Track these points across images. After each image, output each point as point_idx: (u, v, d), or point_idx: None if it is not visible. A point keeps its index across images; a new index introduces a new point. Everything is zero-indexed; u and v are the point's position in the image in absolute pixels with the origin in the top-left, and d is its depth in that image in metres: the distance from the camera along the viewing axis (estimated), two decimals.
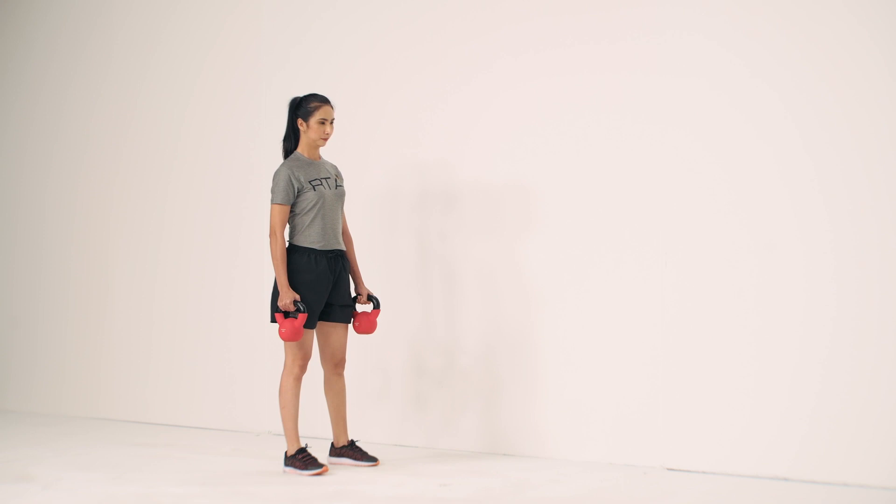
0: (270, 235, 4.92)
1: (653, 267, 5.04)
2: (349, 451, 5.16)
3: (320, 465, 4.92)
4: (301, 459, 4.94)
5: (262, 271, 6.32)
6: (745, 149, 4.84)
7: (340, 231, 5.07)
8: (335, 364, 5.13)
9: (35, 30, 7.43)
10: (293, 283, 4.92)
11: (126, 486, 4.73)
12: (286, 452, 5.02)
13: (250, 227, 6.38)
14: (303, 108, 4.99)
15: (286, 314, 4.88)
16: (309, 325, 4.95)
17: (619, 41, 5.15)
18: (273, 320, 4.96)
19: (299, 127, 5.01)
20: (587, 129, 5.25)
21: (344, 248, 5.10)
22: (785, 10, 4.76)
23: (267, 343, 6.29)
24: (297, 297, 4.88)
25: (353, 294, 5.19)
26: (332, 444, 5.22)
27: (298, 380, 5.01)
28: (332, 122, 5.01)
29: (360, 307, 5.24)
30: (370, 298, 5.17)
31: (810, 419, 4.63)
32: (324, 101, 4.99)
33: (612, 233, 5.16)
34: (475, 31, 5.62)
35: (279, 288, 4.89)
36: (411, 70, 5.85)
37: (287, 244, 5.01)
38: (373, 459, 5.16)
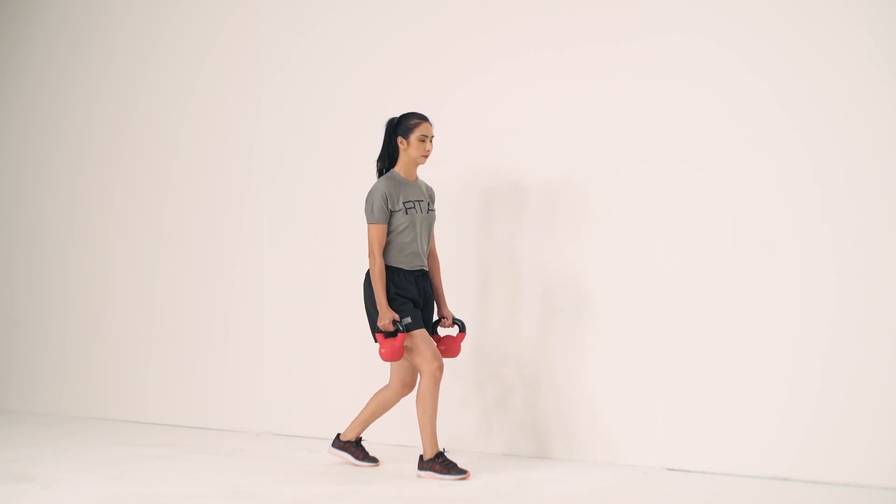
0: (369, 255, 4.88)
1: (653, 267, 5.04)
2: (352, 447, 5.15)
3: (462, 471, 4.82)
4: (441, 463, 4.85)
5: (261, 270, 6.33)
6: (745, 149, 4.83)
7: (426, 253, 5.03)
8: (403, 385, 5.06)
9: (35, 30, 7.43)
10: (388, 299, 4.88)
11: (126, 486, 4.73)
12: (421, 456, 4.91)
13: (250, 227, 6.38)
14: (403, 125, 4.95)
15: (387, 334, 4.82)
16: (420, 325, 4.86)
17: (621, 41, 5.15)
18: (375, 339, 4.93)
19: (399, 145, 4.95)
20: (587, 130, 5.25)
21: (427, 268, 5.05)
22: (785, 11, 4.76)
23: (267, 342, 6.30)
24: (397, 316, 4.83)
25: (436, 317, 5.09)
26: (338, 435, 5.20)
27: (438, 383, 4.85)
28: (431, 140, 4.95)
29: (443, 331, 5.14)
30: (455, 322, 5.09)
31: (810, 419, 4.64)
32: (423, 118, 4.95)
33: (612, 234, 5.16)
34: (476, 32, 5.62)
35: (378, 307, 4.84)
36: (412, 71, 5.84)
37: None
38: (373, 460, 5.16)
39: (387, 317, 4.81)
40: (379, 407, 5.11)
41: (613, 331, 5.15)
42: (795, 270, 4.70)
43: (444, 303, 5.10)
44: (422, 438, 4.88)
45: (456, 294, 5.43)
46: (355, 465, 5.17)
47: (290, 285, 6.23)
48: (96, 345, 7.06)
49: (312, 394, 6.12)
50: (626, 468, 5.01)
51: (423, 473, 4.88)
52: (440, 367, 4.84)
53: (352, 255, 5.93)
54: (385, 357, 4.81)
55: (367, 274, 5.00)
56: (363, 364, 5.72)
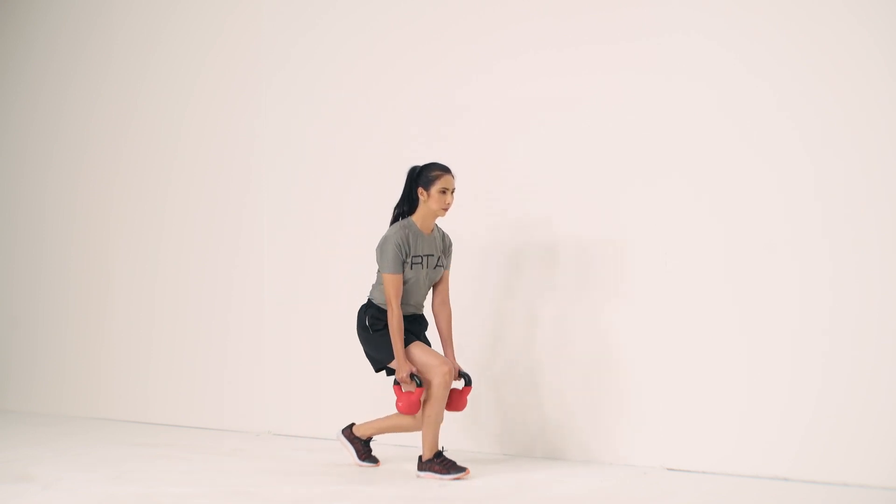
0: (387, 304, 4.84)
1: (653, 268, 5.04)
2: (360, 443, 5.15)
3: (462, 468, 4.82)
4: (440, 463, 4.85)
5: (261, 271, 6.32)
6: (745, 150, 4.83)
7: (423, 300, 5.01)
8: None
9: (35, 30, 7.44)
10: (377, 332, 4.90)
11: (126, 486, 4.73)
12: (420, 457, 4.92)
13: (250, 228, 6.38)
14: (423, 176, 4.87)
15: (403, 388, 4.81)
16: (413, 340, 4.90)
17: (621, 41, 5.15)
18: (378, 369, 4.96)
19: (419, 196, 4.88)
20: (587, 130, 5.25)
21: (420, 312, 5.03)
22: (784, 11, 4.76)
23: (267, 342, 6.30)
24: (414, 369, 4.82)
25: None
26: (353, 425, 5.20)
27: (448, 387, 4.84)
28: (452, 192, 4.89)
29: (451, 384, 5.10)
30: (461, 375, 5.01)
31: (810, 419, 4.63)
32: (445, 170, 4.88)
33: (612, 234, 5.16)
34: (476, 32, 5.62)
35: (396, 359, 4.83)
36: (412, 71, 5.84)
37: (370, 301, 4.97)
38: (374, 460, 5.17)
39: (404, 370, 4.79)
40: (398, 425, 5.06)
41: (613, 331, 5.15)
42: (795, 271, 4.70)
43: (453, 355, 5.04)
44: (423, 439, 4.88)
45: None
46: (356, 463, 5.17)
47: (290, 285, 6.23)
48: (96, 345, 7.06)
49: (312, 394, 6.12)
50: (626, 468, 5.01)
51: (422, 474, 4.88)
52: (449, 371, 4.83)
53: (351, 255, 5.94)
54: (402, 410, 4.81)
55: (362, 309, 5.01)
56: (363, 364, 5.71)
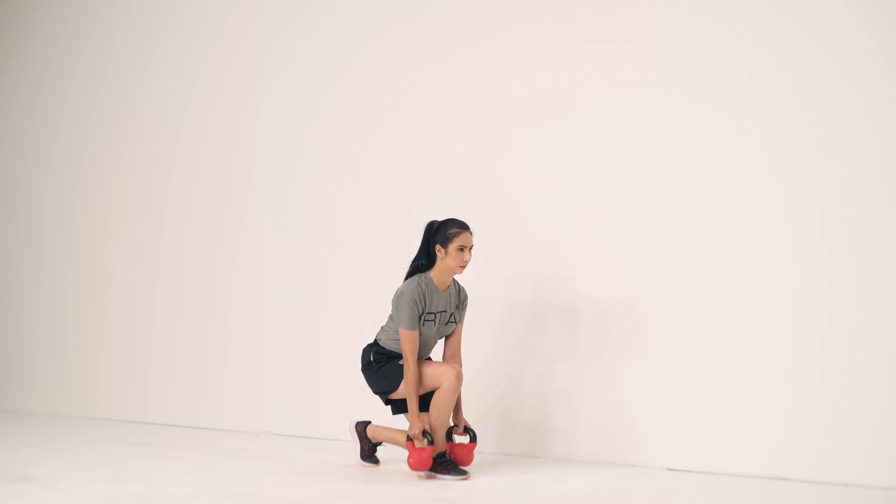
0: (404, 359, 4.80)
1: (653, 267, 5.04)
2: (367, 442, 5.16)
3: (463, 472, 4.82)
4: (441, 464, 4.84)
5: (261, 271, 6.32)
6: (744, 150, 4.83)
7: (429, 351, 4.99)
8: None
9: (35, 30, 7.44)
10: (381, 366, 4.91)
11: (126, 486, 4.73)
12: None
13: (250, 227, 6.38)
14: (441, 233, 4.82)
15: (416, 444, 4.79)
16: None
17: (620, 42, 5.15)
18: (384, 400, 4.96)
19: (437, 252, 4.83)
20: (587, 129, 5.25)
21: (424, 357, 4.99)
22: (784, 11, 4.76)
23: (267, 342, 6.30)
24: (427, 427, 4.78)
25: (451, 424, 4.99)
26: (369, 423, 5.19)
27: (457, 391, 4.83)
28: (470, 250, 4.83)
29: (457, 438, 5.09)
30: (467, 430, 4.97)
31: (810, 419, 4.63)
32: (464, 227, 4.82)
33: (612, 233, 5.16)
34: (476, 32, 5.62)
35: (410, 416, 4.80)
36: (412, 69, 5.84)
37: (377, 340, 4.97)
38: (375, 461, 5.17)
39: (417, 427, 4.76)
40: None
41: (613, 331, 5.15)
42: (795, 271, 4.70)
43: (460, 410, 5.00)
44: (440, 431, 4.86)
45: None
46: (357, 462, 5.17)
47: (290, 285, 6.23)
48: (96, 345, 7.06)
49: (312, 394, 6.12)
50: (626, 468, 5.01)
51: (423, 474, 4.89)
52: (458, 376, 4.79)
53: (351, 256, 5.95)
54: (413, 467, 4.78)
55: (367, 348, 5.01)
56: None
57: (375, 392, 5.01)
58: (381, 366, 4.94)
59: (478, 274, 5.37)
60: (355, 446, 5.20)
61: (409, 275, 4.91)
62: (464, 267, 4.83)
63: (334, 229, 6.08)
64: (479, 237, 5.51)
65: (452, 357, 5.00)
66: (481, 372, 5.45)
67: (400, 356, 4.92)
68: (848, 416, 4.55)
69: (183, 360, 6.67)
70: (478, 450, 5.29)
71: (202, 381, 6.58)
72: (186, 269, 6.68)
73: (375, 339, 5.02)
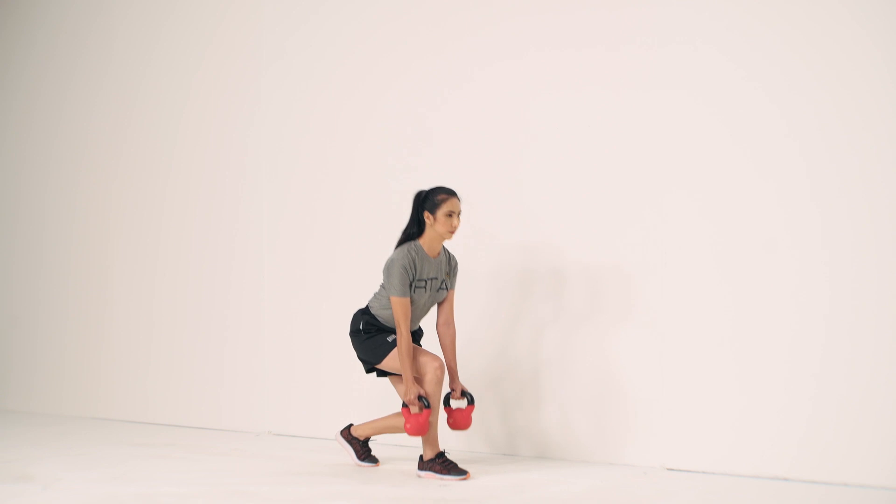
0: (396, 326, 4.84)
1: (652, 267, 5.04)
2: (358, 444, 5.15)
3: (463, 471, 4.83)
4: (441, 464, 4.87)
5: (261, 271, 6.33)
6: (744, 151, 4.83)
7: (420, 319, 5.03)
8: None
9: (35, 30, 7.44)
10: (370, 335, 4.94)
11: (126, 486, 4.73)
12: (420, 456, 4.93)
13: (249, 226, 6.38)
14: (430, 200, 4.88)
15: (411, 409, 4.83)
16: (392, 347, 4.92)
17: (621, 46, 5.15)
18: (369, 370, 5.01)
19: (426, 220, 4.89)
20: (587, 129, 5.25)
21: (417, 327, 5.07)
22: (781, 13, 4.76)
23: (267, 343, 6.30)
24: (423, 391, 4.83)
25: (448, 389, 5.07)
26: (351, 426, 5.21)
27: (441, 382, 4.89)
28: (459, 215, 4.90)
29: (454, 403, 5.16)
30: (464, 394, 5.03)
31: (810, 419, 4.63)
32: (451, 193, 4.89)
33: (612, 232, 5.16)
34: (475, 26, 5.62)
35: (405, 383, 4.82)
36: (407, 60, 5.84)
37: (370, 308, 5.00)
38: (374, 460, 5.17)
39: (412, 392, 4.80)
40: (395, 426, 5.07)
41: (613, 331, 5.15)
42: (794, 270, 4.70)
43: (457, 375, 5.05)
44: (424, 438, 4.89)
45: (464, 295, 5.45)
46: (356, 463, 5.17)
47: (290, 285, 6.23)
48: (96, 345, 7.07)
49: (312, 394, 6.12)
50: (626, 468, 5.01)
51: (423, 473, 4.89)
52: (441, 367, 4.86)
53: (352, 255, 5.95)
54: (410, 432, 4.82)
55: (358, 313, 5.04)
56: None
57: (359, 358, 5.04)
58: (369, 337, 4.97)
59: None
60: (349, 451, 5.20)
61: (400, 244, 4.95)
62: (453, 232, 4.90)
63: (334, 228, 6.08)
64: (478, 237, 5.52)
65: (446, 324, 5.05)
66: (492, 366, 5.45)
67: (390, 330, 4.96)
68: (847, 416, 4.55)
69: (183, 360, 6.68)
70: (479, 449, 5.29)
71: (202, 380, 6.58)
72: (186, 268, 6.69)
73: (367, 306, 5.04)
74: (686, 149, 4.98)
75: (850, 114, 4.59)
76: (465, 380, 5.38)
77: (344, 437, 5.22)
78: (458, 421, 4.99)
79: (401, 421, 5.00)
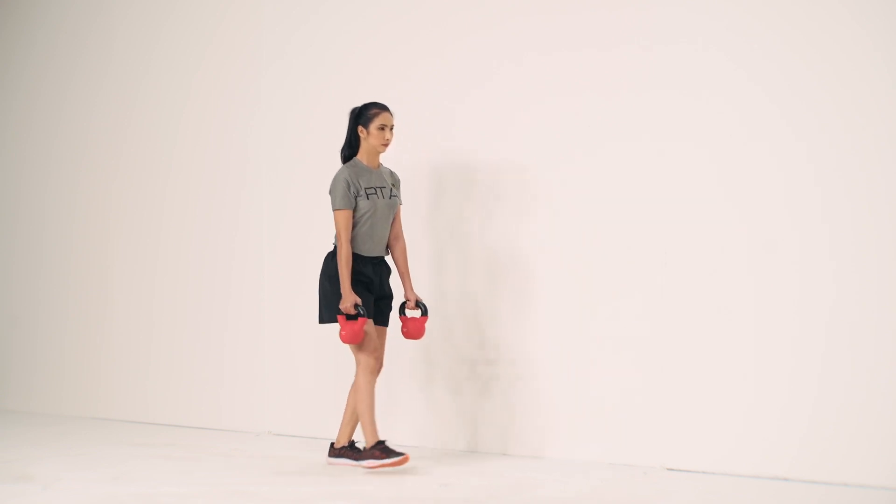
0: (337, 240, 5.00)
1: (653, 267, 5.03)
2: (348, 451, 5.16)
3: (401, 454, 4.92)
4: (381, 450, 4.93)
5: (261, 270, 6.32)
6: (744, 150, 4.83)
7: (386, 239, 5.15)
8: (371, 371, 5.07)
9: (35, 30, 7.44)
10: (338, 286, 4.97)
11: (126, 486, 4.73)
12: (364, 447, 5.01)
13: (249, 226, 6.38)
14: (363, 115, 5.08)
15: (348, 317, 4.91)
16: (369, 314, 4.98)
17: (622, 45, 5.14)
18: (322, 321, 5.05)
19: (360, 134, 5.08)
20: (588, 129, 5.25)
21: (384, 255, 5.16)
22: (781, 13, 4.76)
23: (267, 343, 6.30)
24: (359, 300, 4.93)
25: (403, 300, 5.24)
26: (332, 444, 5.22)
27: (374, 374, 5.02)
28: (391, 129, 5.08)
29: (409, 313, 5.26)
30: (418, 304, 5.20)
31: (810, 419, 4.63)
32: (383, 108, 5.08)
33: (613, 232, 5.16)
34: (476, 24, 5.62)
35: (342, 291, 4.93)
36: (406, 63, 5.84)
37: (334, 246, 5.07)
38: (395, 453, 5.17)
39: (349, 300, 4.91)
40: (355, 410, 5.09)
41: (613, 330, 5.15)
42: (795, 270, 4.70)
43: (410, 286, 5.23)
44: (363, 429, 4.95)
45: (461, 295, 5.44)
46: (361, 465, 5.16)
47: (290, 285, 6.22)
48: (96, 345, 7.06)
49: (312, 394, 6.12)
50: (626, 468, 5.00)
51: (364, 463, 4.97)
52: (378, 361, 5.02)
53: None
54: (345, 339, 4.92)
55: (327, 256, 5.12)
56: None
57: (321, 307, 5.06)
58: (335, 292, 4.98)
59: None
60: (347, 463, 5.15)
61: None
62: (386, 145, 5.08)
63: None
64: (476, 237, 5.51)
65: (395, 238, 5.21)
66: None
67: (354, 271, 4.99)
68: (848, 416, 4.55)
69: (183, 360, 6.67)
70: (478, 448, 5.29)
71: (202, 380, 6.58)
72: (186, 268, 6.68)
73: (335, 246, 5.07)
74: (686, 149, 4.97)
75: (851, 114, 4.59)
76: (465, 379, 5.38)
77: (333, 455, 5.20)
78: (412, 331, 5.17)
79: (356, 403, 5.02)
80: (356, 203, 5.01)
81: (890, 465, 4.47)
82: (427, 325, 5.27)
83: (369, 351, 5.00)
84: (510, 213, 5.46)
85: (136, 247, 6.91)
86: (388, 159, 5.81)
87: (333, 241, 5.15)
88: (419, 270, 5.58)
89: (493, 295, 5.51)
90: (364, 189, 5.02)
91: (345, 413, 5.19)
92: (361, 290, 5.02)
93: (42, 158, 7.38)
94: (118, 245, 7.00)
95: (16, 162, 7.54)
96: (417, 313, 5.24)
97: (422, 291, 5.46)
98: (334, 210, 5.02)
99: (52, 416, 7.05)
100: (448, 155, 5.68)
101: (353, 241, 5.03)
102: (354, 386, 5.04)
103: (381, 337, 5.15)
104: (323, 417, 5.95)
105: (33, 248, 7.41)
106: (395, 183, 5.21)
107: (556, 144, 5.34)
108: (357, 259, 5.03)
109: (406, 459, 4.92)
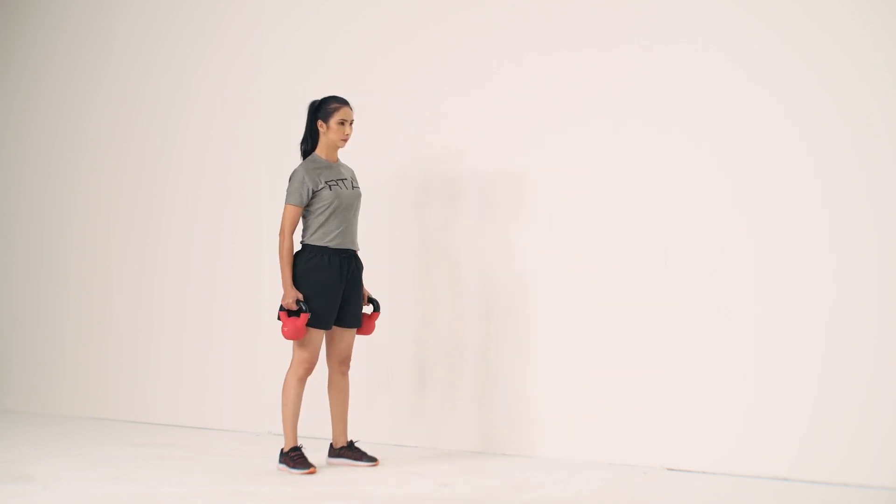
0: (280, 234, 4.98)
1: (653, 267, 5.04)
2: (348, 451, 5.16)
3: (308, 465, 4.93)
4: (292, 457, 4.96)
5: (261, 270, 6.32)
6: (745, 151, 4.84)
7: (356, 232, 5.10)
8: (340, 362, 5.16)
9: (35, 30, 7.43)
10: (307, 282, 4.94)
11: (126, 486, 4.73)
12: (282, 449, 5.04)
13: (250, 226, 6.38)
14: (322, 109, 5.02)
15: (290, 313, 4.91)
16: (324, 326, 4.96)
17: (622, 45, 5.15)
18: (278, 317, 5.01)
19: (319, 128, 5.03)
20: (589, 129, 5.25)
21: (355, 248, 5.11)
22: (783, 13, 4.76)
23: (267, 343, 6.29)
24: (301, 296, 4.92)
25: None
26: (332, 444, 5.22)
27: (303, 380, 5.04)
28: (351, 124, 5.02)
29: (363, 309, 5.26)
30: (370, 301, 5.20)
31: (810, 419, 4.64)
32: (343, 102, 5.02)
33: (613, 232, 5.16)
34: (476, 24, 5.62)
35: (283, 286, 4.95)
36: (406, 63, 5.84)
37: (302, 244, 5.05)
38: (372, 459, 5.16)
39: (290, 296, 4.92)
40: (286, 411, 5.05)
41: (613, 330, 5.15)
42: (795, 270, 4.70)
43: (362, 285, 5.18)
44: (283, 431, 4.98)
45: (459, 292, 5.43)
46: (355, 465, 5.17)
47: None
48: (96, 345, 7.06)
49: (312, 394, 6.11)
50: (626, 468, 5.01)
51: (279, 466, 5.00)
52: (308, 370, 5.01)
53: None
54: (286, 335, 4.92)
55: (296, 256, 5.09)
56: (364, 364, 5.71)
57: (282, 307, 4.97)
58: (305, 298, 4.93)
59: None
60: (349, 462, 5.13)
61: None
62: (345, 140, 5.03)
63: None
64: (479, 232, 5.51)
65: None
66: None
67: (318, 267, 4.94)
68: (848, 416, 4.55)
69: (183, 360, 6.67)
70: (477, 448, 5.28)
71: (202, 381, 6.58)
72: (186, 268, 6.68)
73: (303, 243, 5.02)
74: (686, 149, 4.98)
75: (851, 114, 4.60)
76: (466, 380, 5.38)
77: (333, 455, 5.19)
78: (364, 328, 5.17)
79: (285, 407, 5.03)
80: (316, 195, 4.93)
81: (890, 465, 4.47)
82: (377, 321, 5.23)
83: (309, 350, 4.98)
84: (509, 212, 5.46)
85: (136, 247, 6.91)
86: (388, 158, 5.82)
87: (301, 238, 5.08)
88: (418, 269, 5.58)
89: (492, 294, 5.51)
90: (325, 182, 4.95)
91: (331, 413, 5.20)
92: (322, 290, 4.94)
93: (42, 158, 7.38)
94: (118, 245, 6.99)
95: (16, 162, 7.54)
96: (369, 310, 5.23)
97: (421, 287, 5.46)
98: (285, 203, 4.96)
99: (52, 416, 7.04)
100: (448, 155, 5.68)
101: (322, 235, 4.97)
102: (284, 383, 5.03)
103: (349, 338, 5.12)
104: (322, 417, 5.95)
105: (33, 248, 7.41)
106: (354, 178, 5.16)
107: (555, 144, 5.34)
108: (326, 254, 4.97)
109: (313, 472, 4.91)
